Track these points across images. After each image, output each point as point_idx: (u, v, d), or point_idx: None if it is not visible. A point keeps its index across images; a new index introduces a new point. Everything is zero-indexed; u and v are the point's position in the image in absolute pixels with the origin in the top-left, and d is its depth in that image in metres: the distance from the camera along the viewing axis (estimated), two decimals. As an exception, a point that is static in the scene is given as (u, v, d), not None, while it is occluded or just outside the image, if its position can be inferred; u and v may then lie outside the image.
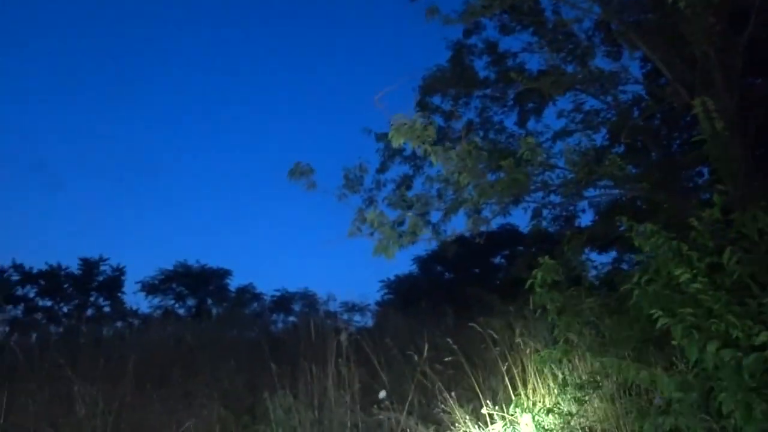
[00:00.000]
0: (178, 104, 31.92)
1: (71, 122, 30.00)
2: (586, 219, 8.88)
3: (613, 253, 12.41)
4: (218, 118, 31.64)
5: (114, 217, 29.15)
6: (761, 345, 3.26)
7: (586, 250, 8.91)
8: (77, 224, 28.90)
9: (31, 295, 16.41)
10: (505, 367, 5.13)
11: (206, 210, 31.66)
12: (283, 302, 16.59)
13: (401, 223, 5.07)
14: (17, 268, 16.15)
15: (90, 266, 17.14)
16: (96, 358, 6.55)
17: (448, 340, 5.40)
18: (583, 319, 5.12)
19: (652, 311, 3.86)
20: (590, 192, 6.03)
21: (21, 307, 16.09)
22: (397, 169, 6.79)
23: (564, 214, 8.05)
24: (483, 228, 5.38)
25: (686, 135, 8.29)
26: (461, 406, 5.45)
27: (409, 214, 5.05)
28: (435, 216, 6.07)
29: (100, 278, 17.27)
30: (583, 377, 5.02)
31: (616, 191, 7.36)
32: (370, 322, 12.39)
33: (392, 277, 17.93)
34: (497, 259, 17.03)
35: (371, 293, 21.86)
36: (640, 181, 5.94)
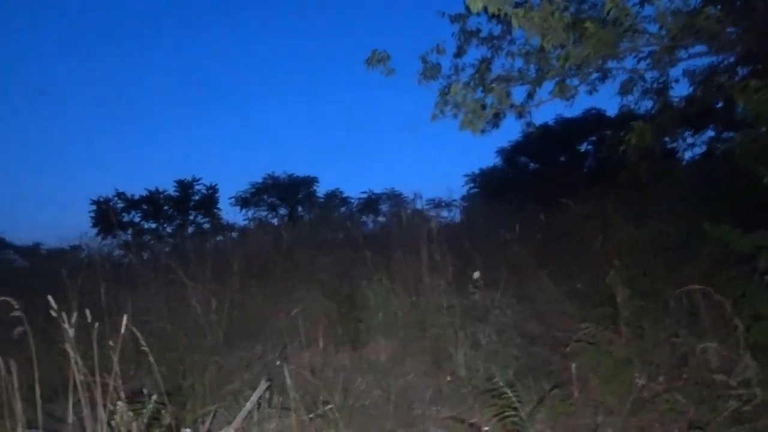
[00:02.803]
0: (245, 11, 31.76)
1: (146, 51, 30.69)
2: (680, 91, 8.31)
3: (710, 132, 11.75)
4: (285, 22, 31.30)
5: (199, 138, 30.18)
6: None
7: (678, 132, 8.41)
8: (166, 150, 30.16)
9: (137, 219, 17.56)
10: (598, 243, 5.08)
11: (285, 120, 32.06)
12: (370, 203, 16.95)
13: (484, 107, 4.96)
14: (120, 196, 17.21)
15: (185, 187, 17.98)
16: (203, 265, 6.98)
17: (540, 216, 5.38)
18: (679, 188, 4.95)
19: (757, 170, 3.68)
20: (683, 54, 5.61)
21: (130, 231, 17.21)
22: (475, 53, 6.53)
23: (655, 86, 7.53)
24: (569, 96, 5.13)
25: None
26: (555, 284, 5.51)
27: (493, 86, 4.91)
28: (518, 97, 5.85)
29: (196, 197, 18.15)
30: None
31: (713, 58, 6.83)
32: (458, 217, 12.45)
33: (476, 171, 17.85)
34: (583, 146, 16.43)
35: (456, 188, 21.85)
36: (742, 38, 5.43)
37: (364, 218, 15.51)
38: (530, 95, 5.77)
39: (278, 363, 4.48)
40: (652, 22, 5.30)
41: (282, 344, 5.27)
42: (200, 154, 29.69)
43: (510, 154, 17.03)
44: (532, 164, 17.18)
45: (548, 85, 5.32)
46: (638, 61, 5.84)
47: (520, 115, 6.38)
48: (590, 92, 6.75)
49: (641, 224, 4.90)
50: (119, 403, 2.67)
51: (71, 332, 2.88)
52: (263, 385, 4.00)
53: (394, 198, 15.98)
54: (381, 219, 14.82)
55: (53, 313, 2.89)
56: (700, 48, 5.45)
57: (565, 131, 15.88)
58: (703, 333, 4.04)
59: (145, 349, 2.98)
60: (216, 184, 17.90)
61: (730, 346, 3.72)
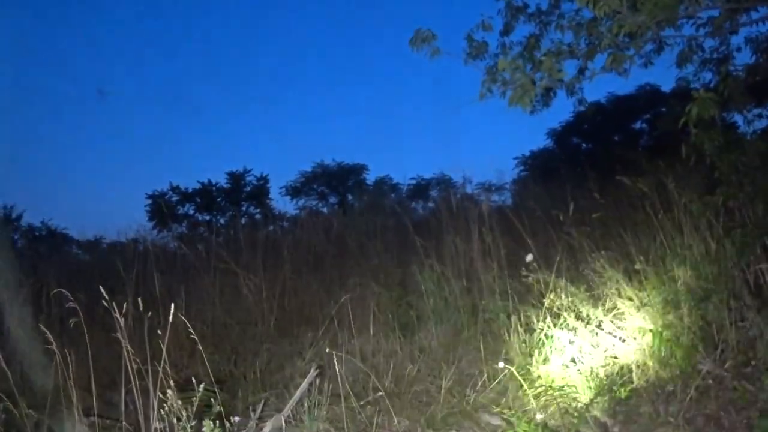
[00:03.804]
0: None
1: (194, 45, 31.28)
2: (742, 59, 7.83)
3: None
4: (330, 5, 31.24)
5: (248, 130, 30.57)
6: None
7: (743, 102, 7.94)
8: (216, 142, 30.71)
9: (191, 212, 17.92)
10: (658, 222, 4.86)
11: (331, 107, 32.12)
12: (419, 189, 16.83)
13: (533, 82, 4.78)
14: (174, 189, 17.53)
15: (237, 179, 18.19)
16: (255, 255, 7.05)
17: (595, 195, 5.18)
18: (744, 163, 4.67)
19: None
20: (745, 19, 5.27)
21: (184, 224, 17.59)
22: (522, 30, 6.32)
23: (715, 56, 7.12)
24: (624, 68, 4.89)
25: None
26: (611, 265, 5.30)
27: (543, 58, 4.73)
28: (568, 73, 5.60)
29: (247, 189, 18.39)
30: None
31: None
32: (509, 201, 12.22)
33: (526, 154, 17.44)
34: (638, 125, 15.81)
35: (506, 171, 21.49)
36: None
37: (413, 204, 15.44)
38: (581, 70, 5.56)
39: (329, 350, 4.47)
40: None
41: (333, 331, 5.26)
42: (250, 144, 30.08)
43: (561, 135, 16.54)
44: (584, 145, 16.69)
45: (600, 60, 5.10)
46: (697, 29, 5.53)
47: (571, 92, 6.16)
48: (645, 65, 6.45)
49: (703, 201, 4.65)
50: (169, 391, 2.69)
51: (122, 322, 2.92)
52: (313, 372, 3.99)
53: (444, 183, 15.80)
54: (431, 205, 14.70)
55: (106, 304, 2.94)
56: (764, 11, 5.11)
57: (618, 109, 15.33)
58: (773, 316, 3.82)
59: (195, 337, 2.99)
60: (266, 175, 18.07)
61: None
